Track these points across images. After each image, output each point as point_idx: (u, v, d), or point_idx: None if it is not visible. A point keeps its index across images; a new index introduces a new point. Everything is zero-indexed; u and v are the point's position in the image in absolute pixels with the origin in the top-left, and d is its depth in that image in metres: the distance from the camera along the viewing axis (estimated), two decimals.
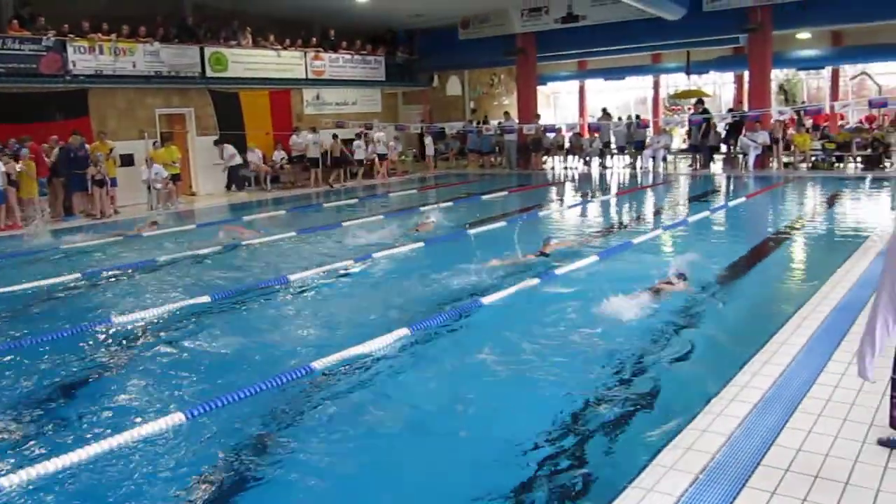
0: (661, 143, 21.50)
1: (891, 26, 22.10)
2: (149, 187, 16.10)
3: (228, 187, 19.47)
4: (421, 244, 10.48)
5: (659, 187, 18.03)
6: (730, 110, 22.74)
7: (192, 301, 7.62)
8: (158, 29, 17.90)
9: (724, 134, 21.30)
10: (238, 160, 19.10)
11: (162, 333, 6.76)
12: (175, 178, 16.80)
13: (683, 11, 19.20)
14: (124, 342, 6.56)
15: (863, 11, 18.19)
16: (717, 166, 21.23)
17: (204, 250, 10.73)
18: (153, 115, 18.04)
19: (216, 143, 19.05)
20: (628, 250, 9.66)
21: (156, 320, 7.15)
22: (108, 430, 4.54)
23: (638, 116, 23.23)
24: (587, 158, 22.94)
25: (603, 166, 22.82)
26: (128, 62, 17.06)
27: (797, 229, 11.13)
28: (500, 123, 24.27)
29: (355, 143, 21.53)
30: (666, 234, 10.81)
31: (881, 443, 3.70)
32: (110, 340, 6.64)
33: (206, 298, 7.70)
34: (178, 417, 4.61)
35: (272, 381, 5.17)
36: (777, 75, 29.18)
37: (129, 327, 6.93)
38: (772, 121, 19.79)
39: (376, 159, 21.77)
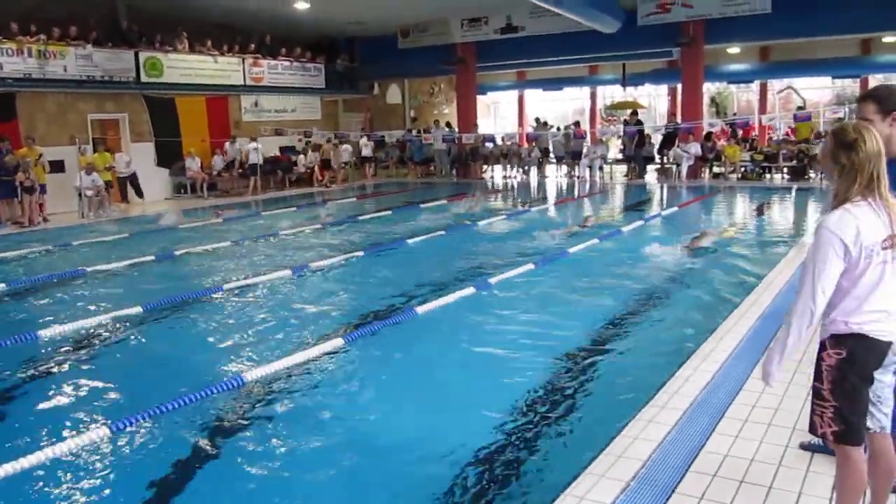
0: (597, 153, 21.90)
1: (813, 43, 23.12)
2: (80, 194, 15.66)
3: (124, 198, 18.01)
4: (360, 253, 10.49)
5: (595, 196, 18.35)
6: (638, 122, 23.17)
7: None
8: (91, 32, 17.44)
9: (657, 145, 21.92)
10: (132, 168, 18.08)
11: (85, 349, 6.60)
12: (107, 185, 16.38)
13: (619, 25, 19.66)
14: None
15: (786, 28, 18.93)
16: (651, 176, 21.75)
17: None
18: (85, 121, 17.57)
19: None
20: (564, 258, 9.80)
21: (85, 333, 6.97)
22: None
23: (577, 124, 23.52)
24: (526, 168, 23.23)
25: (542, 175, 23.15)
26: (58, 65, 16.57)
27: (727, 238, 11.44)
28: (431, 131, 24.33)
29: (342, 146, 22.56)
30: (603, 243, 10.98)
31: (803, 447, 3.84)
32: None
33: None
34: (103, 432, 4.50)
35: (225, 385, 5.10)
36: (709, 88, 30.14)
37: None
38: (703, 132, 20.40)
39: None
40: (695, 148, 19.80)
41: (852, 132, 2.78)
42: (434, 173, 24.49)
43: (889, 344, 2.81)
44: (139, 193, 18.27)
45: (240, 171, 20.29)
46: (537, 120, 25.28)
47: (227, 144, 20.35)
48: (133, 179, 18.13)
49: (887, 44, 24.18)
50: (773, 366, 2.88)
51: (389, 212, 15.48)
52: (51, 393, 5.49)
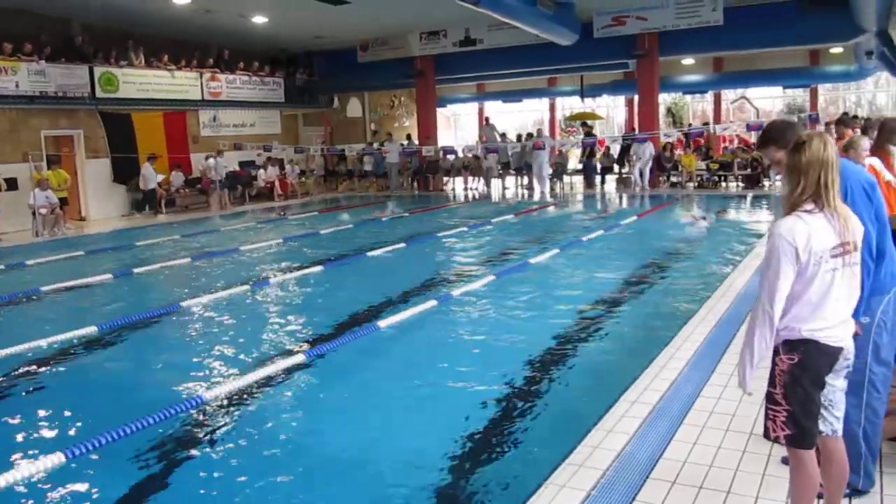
0: (542, 161, 21.24)
1: (764, 54, 23.69)
2: (34, 213, 15.35)
3: (141, 209, 18.80)
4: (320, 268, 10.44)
5: (551, 207, 18.43)
6: (589, 134, 23.43)
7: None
8: (45, 48, 17.14)
9: (616, 155, 22.27)
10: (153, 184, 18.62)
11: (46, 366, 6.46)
12: (62, 202, 16.08)
13: (576, 37, 19.90)
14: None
15: (737, 40, 19.44)
16: (611, 186, 22.04)
17: None
18: (38, 138, 17.23)
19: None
20: (524, 271, 9.86)
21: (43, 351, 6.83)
22: None
23: (530, 135, 23.56)
24: (487, 179, 23.32)
25: (503, 187, 23.28)
26: (10, 81, 16.26)
27: (683, 245, 11.62)
28: (386, 143, 24.29)
29: (364, 158, 23.67)
30: (563, 252, 11.07)
31: (785, 461, 3.79)
32: None
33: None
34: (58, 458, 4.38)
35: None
36: (665, 99, 30.67)
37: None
38: (659, 142, 20.74)
39: None
40: (650, 150, 20.10)
41: (803, 136, 2.85)
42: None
43: (840, 349, 2.88)
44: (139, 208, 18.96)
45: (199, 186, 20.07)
46: (487, 120, 25.44)
47: (210, 160, 20.09)
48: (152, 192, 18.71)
49: (834, 55, 24.88)
50: (746, 374, 2.92)
51: (350, 225, 15.48)
52: (2, 417, 5.36)
